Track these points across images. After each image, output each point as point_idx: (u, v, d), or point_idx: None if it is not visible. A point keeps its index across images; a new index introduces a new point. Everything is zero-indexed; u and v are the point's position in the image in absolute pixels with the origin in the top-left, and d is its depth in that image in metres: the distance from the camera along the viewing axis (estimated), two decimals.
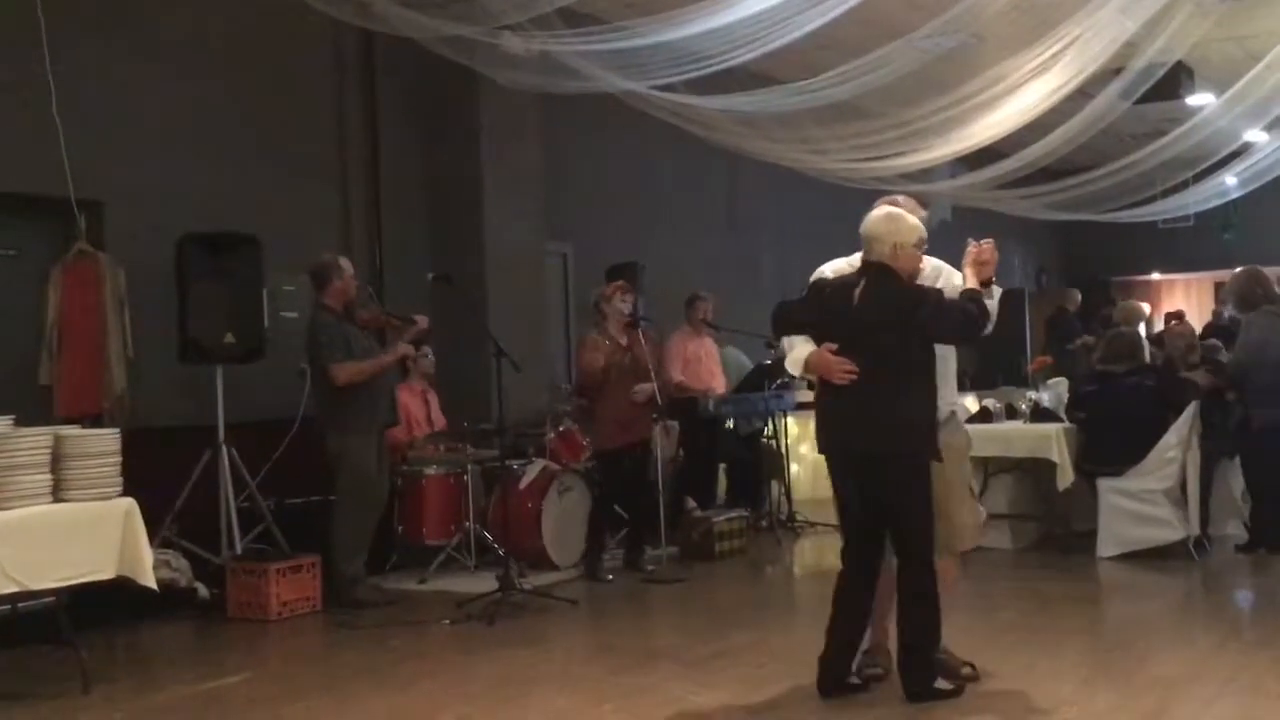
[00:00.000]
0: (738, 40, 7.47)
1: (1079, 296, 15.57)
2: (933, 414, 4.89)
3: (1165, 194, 13.54)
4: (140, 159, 7.57)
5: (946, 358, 5.05)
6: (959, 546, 5.11)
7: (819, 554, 8.67)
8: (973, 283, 4.87)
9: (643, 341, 7.98)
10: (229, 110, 8.12)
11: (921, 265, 5.02)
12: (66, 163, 6.84)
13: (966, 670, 5.05)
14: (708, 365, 9.67)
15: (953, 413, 5.16)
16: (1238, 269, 8.64)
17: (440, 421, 8.48)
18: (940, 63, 8.61)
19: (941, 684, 4.86)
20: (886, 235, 4.84)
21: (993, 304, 4.92)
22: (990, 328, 4.95)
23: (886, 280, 4.83)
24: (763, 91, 8.81)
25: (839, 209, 5.05)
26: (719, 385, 9.68)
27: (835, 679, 4.92)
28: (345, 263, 7.34)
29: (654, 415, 8.15)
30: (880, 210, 4.94)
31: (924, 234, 4.93)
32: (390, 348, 7.40)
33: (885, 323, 4.79)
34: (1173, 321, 11.20)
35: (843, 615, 4.92)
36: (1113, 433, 7.99)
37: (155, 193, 7.60)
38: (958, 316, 4.83)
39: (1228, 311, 15.23)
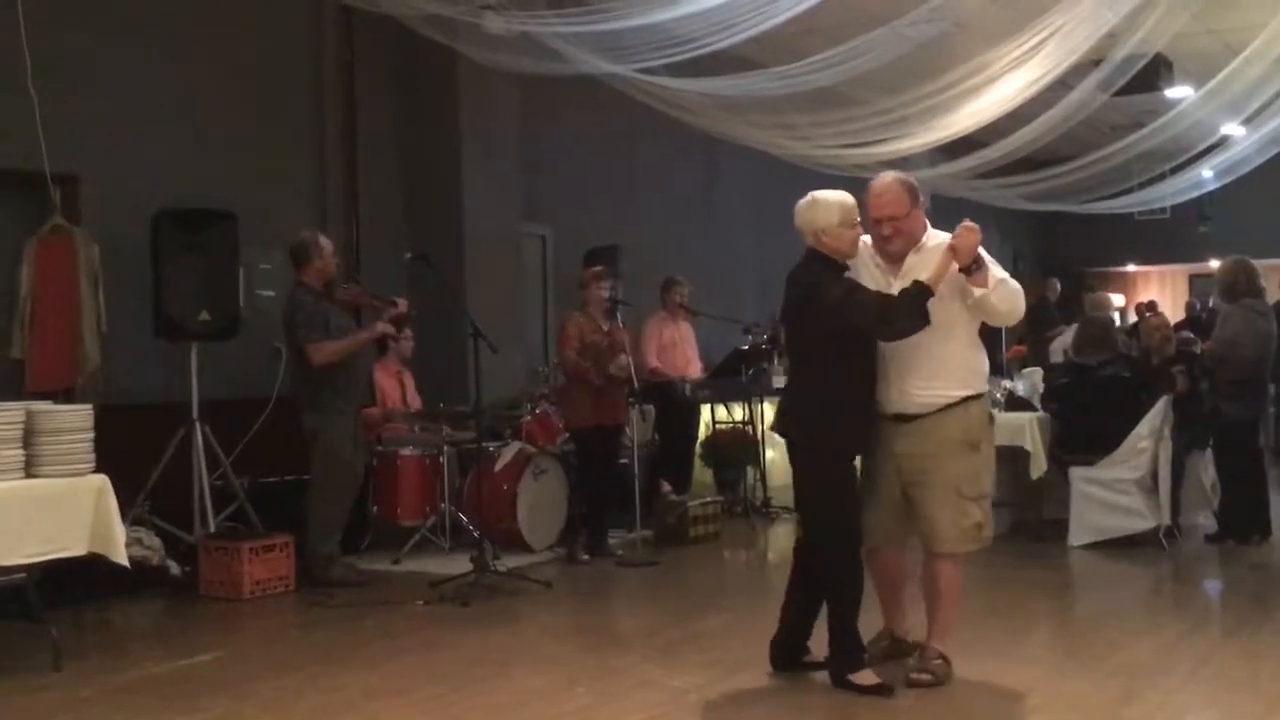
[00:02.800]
0: (720, 24, 7.45)
1: (1059, 286, 15.63)
2: (836, 404, 4.79)
3: (1142, 186, 13.60)
4: (116, 134, 7.52)
5: (947, 339, 4.82)
6: (935, 548, 4.92)
7: (792, 540, 8.68)
8: (929, 271, 4.69)
9: (622, 325, 8.02)
10: (206, 86, 8.07)
11: (926, 239, 4.89)
12: (42, 137, 6.76)
13: (936, 662, 4.93)
14: (683, 350, 9.66)
15: (962, 399, 4.87)
16: (1228, 258, 8.63)
17: (416, 402, 8.47)
18: (922, 51, 8.62)
19: (860, 678, 4.79)
20: (806, 225, 4.88)
21: (982, 292, 4.73)
22: (1010, 317, 4.90)
23: (805, 267, 4.90)
24: (745, 76, 8.81)
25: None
26: (694, 370, 9.68)
27: (783, 657, 5.07)
28: (325, 242, 7.31)
29: (630, 399, 8.16)
30: (803, 200, 4.92)
31: (848, 208, 4.82)
32: (367, 326, 7.38)
33: (794, 308, 4.93)
34: (1147, 313, 11.27)
35: (790, 594, 5.09)
36: (1086, 422, 8.05)
37: (131, 168, 7.55)
38: (869, 310, 4.72)
39: (1200, 303, 15.38)
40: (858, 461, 5.03)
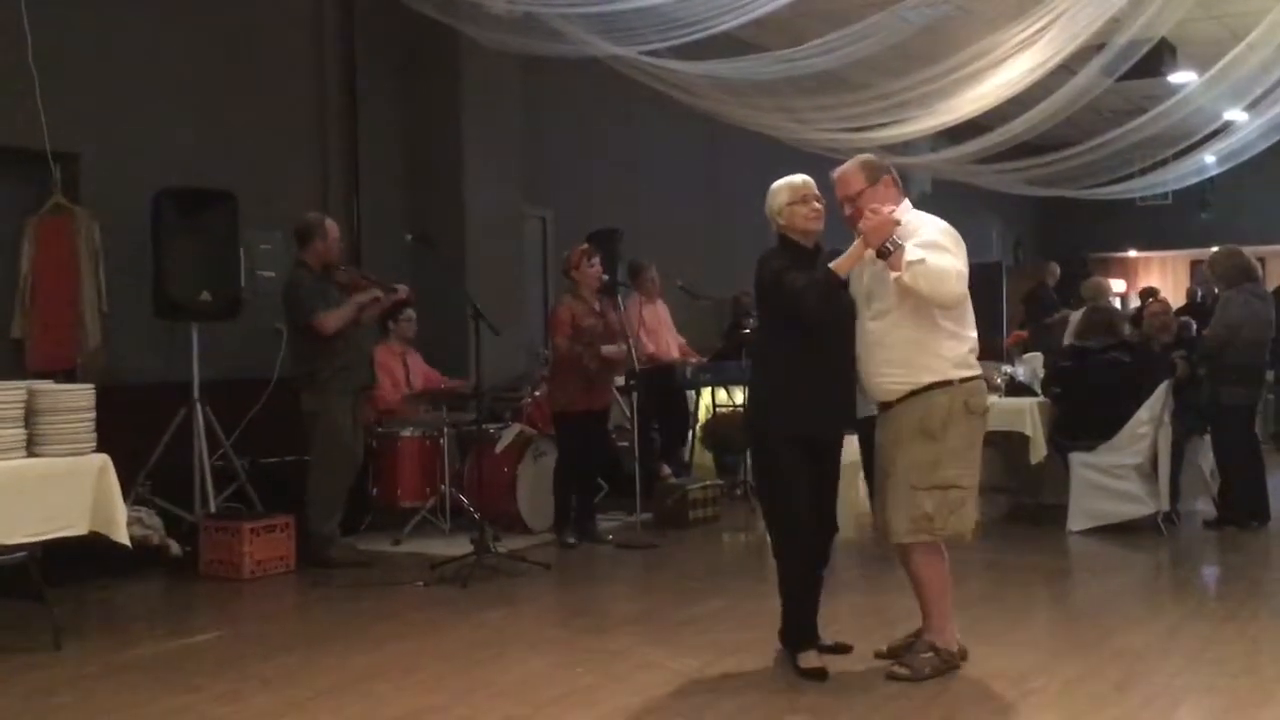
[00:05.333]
0: (723, 6, 7.44)
1: (1058, 270, 15.61)
2: (770, 391, 4.89)
3: (1144, 171, 13.57)
4: (118, 112, 7.50)
5: (901, 325, 4.68)
6: (890, 539, 4.83)
7: None
8: (842, 259, 4.69)
9: (621, 306, 7.99)
10: (208, 66, 8.05)
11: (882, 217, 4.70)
12: (42, 114, 6.76)
13: (924, 655, 4.83)
14: (663, 333, 9.67)
15: (926, 386, 4.70)
16: (1219, 246, 8.63)
17: (427, 378, 8.44)
18: (925, 34, 8.60)
19: (801, 659, 4.87)
20: (767, 211, 4.95)
21: (897, 275, 4.53)
22: (936, 298, 4.56)
23: (768, 251, 4.96)
24: (747, 59, 8.79)
25: (820, 178, 5.02)
26: (675, 351, 9.71)
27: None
28: (331, 225, 7.29)
29: (630, 382, 8.15)
30: None
31: (796, 186, 4.86)
32: (361, 291, 7.26)
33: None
34: (1149, 299, 11.27)
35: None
36: (1086, 408, 8.05)
37: (132, 147, 7.54)
38: (786, 294, 4.72)
39: (1202, 289, 15.38)
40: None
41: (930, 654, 4.84)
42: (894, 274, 4.58)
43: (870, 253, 4.67)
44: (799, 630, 4.93)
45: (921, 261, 4.52)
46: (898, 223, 4.64)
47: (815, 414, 4.83)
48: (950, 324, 4.74)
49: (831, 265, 4.70)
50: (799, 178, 4.95)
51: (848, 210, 4.85)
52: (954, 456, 4.74)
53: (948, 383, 4.72)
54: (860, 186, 4.83)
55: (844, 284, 4.75)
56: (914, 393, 4.72)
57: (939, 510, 4.72)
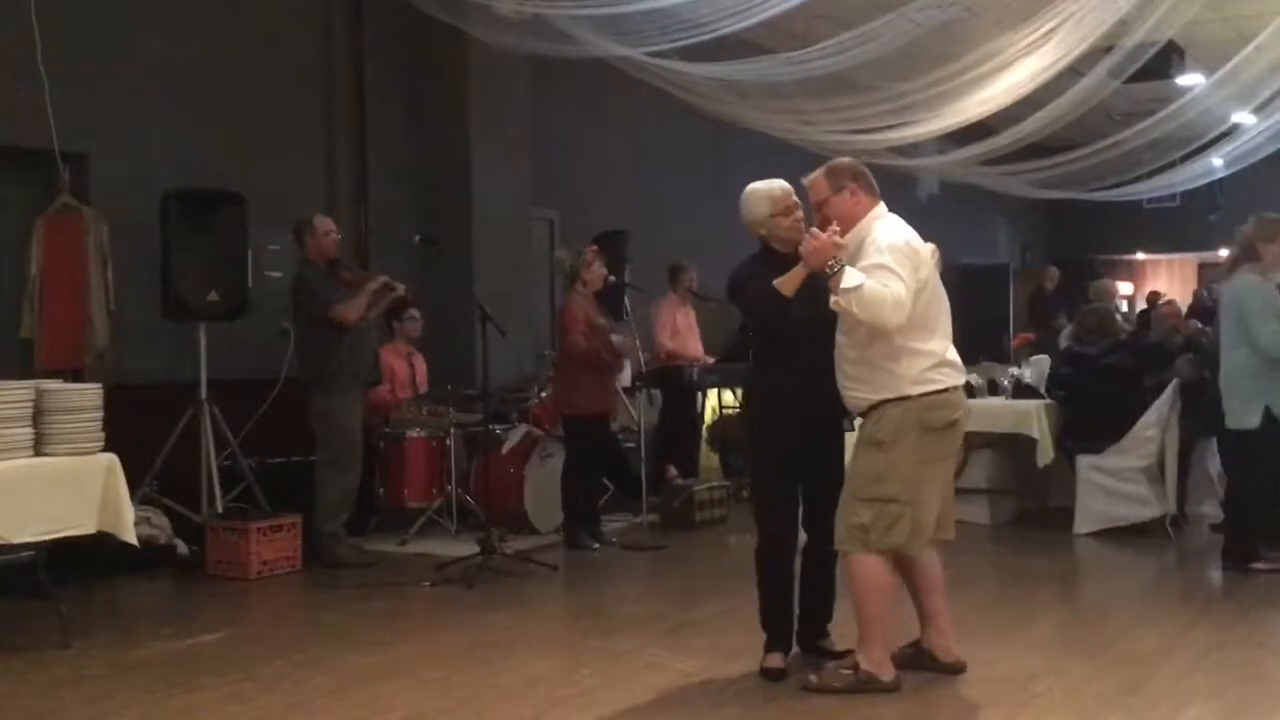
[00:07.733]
0: (731, 8, 7.45)
1: (1057, 274, 15.58)
2: (755, 394, 5.07)
3: (1152, 174, 13.55)
4: (126, 113, 7.52)
5: (862, 342, 4.60)
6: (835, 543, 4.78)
7: None
8: (786, 278, 4.63)
9: (627, 308, 8.00)
10: (217, 67, 8.07)
11: (860, 227, 4.68)
12: (51, 115, 6.78)
13: (842, 671, 4.71)
14: (690, 339, 9.70)
15: (881, 402, 4.61)
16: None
17: (425, 385, 8.46)
18: (932, 37, 8.60)
19: (765, 660, 4.91)
20: (745, 220, 5.04)
21: (834, 299, 4.46)
22: (874, 323, 4.45)
23: (748, 258, 5.05)
24: (754, 61, 8.79)
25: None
26: (701, 354, 9.73)
27: (800, 636, 5.06)
28: (319, 221, 7.31)
29: (637, 383, 8.17)
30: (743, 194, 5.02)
31: (777, 197, 4.89)
32: (368, 278, 7.31)
33: None
34: (1160, 301, 11.26)
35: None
36: (1090, 411, 8.03)
37: (141, 147, 7.56)
38: (746, 305, 4.93)
39: (1209, 292, 15.33)
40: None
41: (849, 671, 4.68)
42: (833, 296, 4.50)
43: None
44: (768, 630, 4.98)
45: (858, 288, 4.42)
46: (840, 245, 4.55)
47: (786, 420, 4.82)
48: (911, 341, 4.60)
49: (776, 284, 4.65)
50: (778, 188, 4.93)
51: (817, 217, 4.83)
52: (899, 472, 4.59)
53: (904, 398, 4.60)
54: (824, 195, 4.77)
55: (787, 301, 4.65)
56: (872, 407, 4.66)
57: (874, 523, 4.58)
